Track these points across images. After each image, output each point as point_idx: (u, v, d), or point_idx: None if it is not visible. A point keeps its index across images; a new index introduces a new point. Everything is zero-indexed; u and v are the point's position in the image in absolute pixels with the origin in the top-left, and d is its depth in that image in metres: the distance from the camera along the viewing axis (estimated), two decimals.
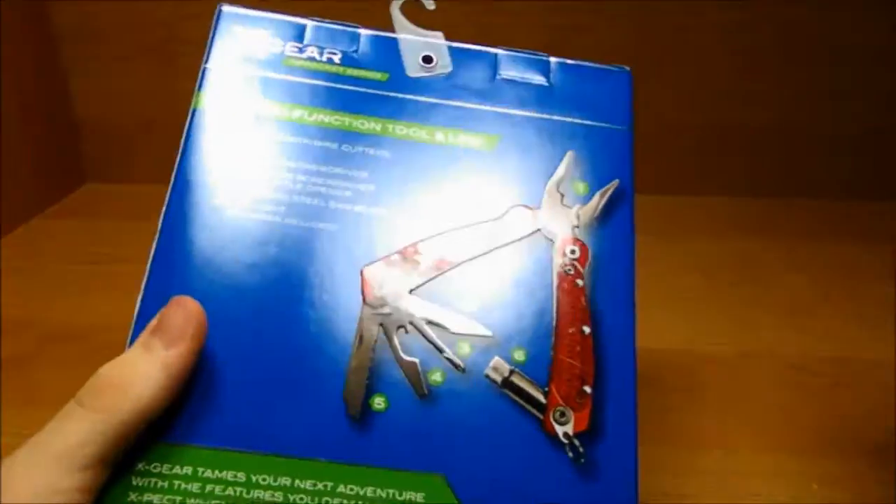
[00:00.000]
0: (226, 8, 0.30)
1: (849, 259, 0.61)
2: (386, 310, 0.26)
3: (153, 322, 0.23)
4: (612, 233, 0.28)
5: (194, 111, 0.27)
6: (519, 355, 0.25)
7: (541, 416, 0.25)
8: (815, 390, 0.44)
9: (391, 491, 0.23)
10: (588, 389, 0.25)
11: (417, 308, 0.26)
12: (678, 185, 0.71)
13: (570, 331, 0.26)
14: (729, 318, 0.52)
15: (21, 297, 0.52)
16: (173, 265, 0.25)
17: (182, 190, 0.26)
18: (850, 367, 0.46)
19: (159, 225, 0.26)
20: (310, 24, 0.30)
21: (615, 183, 0.29)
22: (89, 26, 0.66)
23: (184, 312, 0.22)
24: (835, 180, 0.71)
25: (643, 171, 0.69)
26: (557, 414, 0.25)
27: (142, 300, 0.25)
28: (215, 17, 0.29)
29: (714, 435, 0.40)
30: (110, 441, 0.20)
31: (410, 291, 0.26)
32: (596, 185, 0.29)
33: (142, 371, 0.21)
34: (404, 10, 0.31)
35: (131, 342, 0.23)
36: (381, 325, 0.25)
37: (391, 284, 0.26)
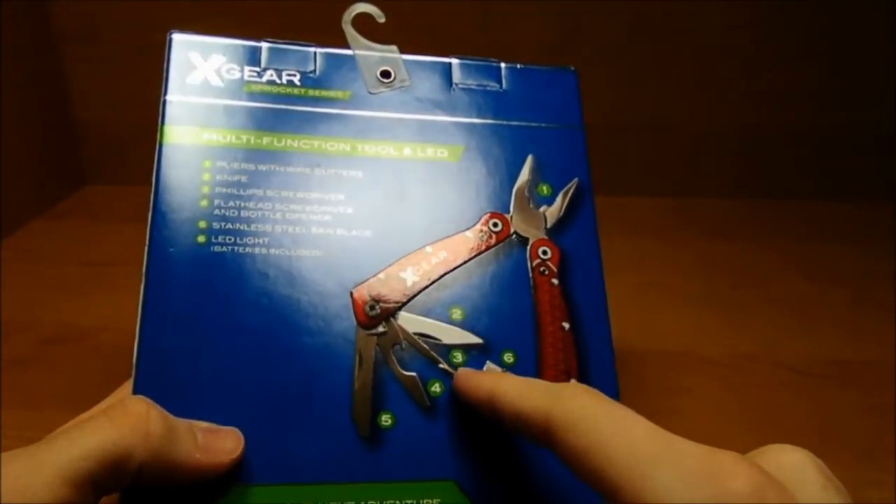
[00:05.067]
0: (176, 36, 0.29)
1: (848, 260, 0.60)
2: (380, 329, 0.26)
3: (207, 424, 0.23)
4: (578, 230, 0.30)
5: (161, 146, 0.27)
6: (508, 357, 0.27)
7: None
8: (814, 392, 0.44)
9: (409, 502, 0.24)
10: (574, 382, 0.27)
11: (409, 324, 0.27)
12: (677, 188, 0.71)
13: (552, 329, 0.28)
14: (728, 320, 0.52)
15: (21, 299, 0.50)
16: (166, 312, 0.25)
17: (162, 229, 0.26)
18: (849, 368, 0.46)
19: (144, 268, 0.25)
20: (264, 45, 0.30)
21: (575, 182, 0.31)
22: (89, 27, 0.64)
23: (235, 439, 0.23)
24: (834, 181, 0.71)
25: (643, 173, 0.70)
26: None
27: (138, 350, 0.24)
28: (167, 46, 0.29)
29: (713, 437, 0.38)
30: (110, 462, 0.19)
31: (400, 308, 0.27)
32: (557, 185, 0.30)
33: (178, 429, 0.21)
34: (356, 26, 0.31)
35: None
36: (377, 344, 0.26)
37: (381, 303, 0.27)
